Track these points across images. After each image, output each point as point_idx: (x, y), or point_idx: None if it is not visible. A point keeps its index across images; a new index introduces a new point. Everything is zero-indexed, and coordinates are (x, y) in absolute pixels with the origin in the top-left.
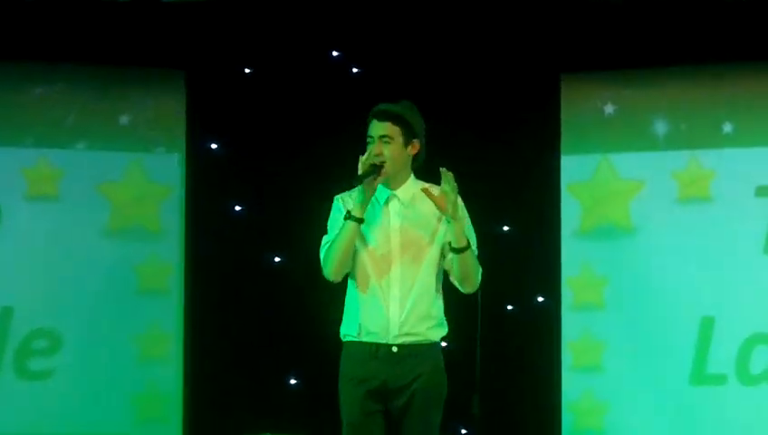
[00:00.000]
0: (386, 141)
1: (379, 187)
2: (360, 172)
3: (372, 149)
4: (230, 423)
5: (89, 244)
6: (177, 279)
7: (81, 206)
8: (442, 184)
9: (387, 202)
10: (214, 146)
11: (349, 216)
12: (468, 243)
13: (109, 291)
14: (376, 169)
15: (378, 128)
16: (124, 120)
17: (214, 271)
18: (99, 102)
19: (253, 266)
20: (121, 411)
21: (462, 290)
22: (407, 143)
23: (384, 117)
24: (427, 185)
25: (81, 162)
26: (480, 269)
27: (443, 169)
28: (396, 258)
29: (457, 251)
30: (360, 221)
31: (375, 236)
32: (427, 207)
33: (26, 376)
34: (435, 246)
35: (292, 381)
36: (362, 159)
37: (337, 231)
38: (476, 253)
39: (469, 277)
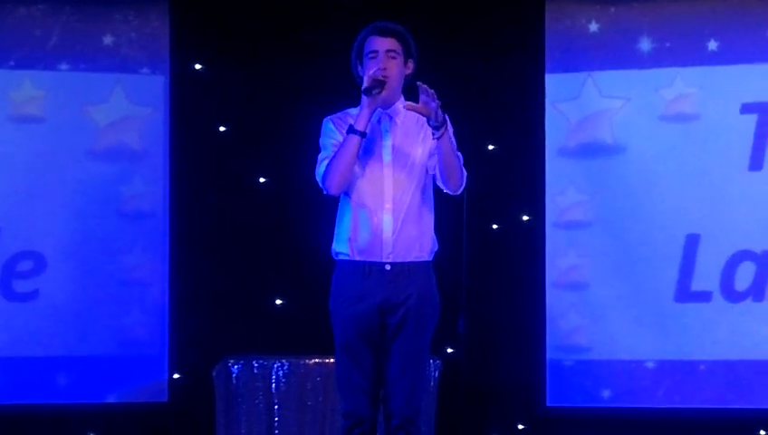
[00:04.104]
0: (392, 56)
1: None
2: (366, 85)
3: (379, 63)
4: (215, 345)
5: (73, 165)
6: (162, 201)
7: (65, 127)
8: (420, 95)
9: (379, 121)
10: (198, 67)
11: (352, 130)
12: (446, 123)
13: (93, 213)
14: (380, 84)
15: (383, 42)
16: (108, 40)
17: (198, 192)
18: (82, 23)
19: (237, 188)
20: (106, 333)
21: (446, 189)
22: (405, 62)
23: (388, 32)
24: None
25: (65, 83)
26: (464, 169)
27: (419, 83)
28: (388, 176)
29: (436, 128)
30: (363, 135)
31: (367, 154)
32: (418, 127)
33: (11, 298)
34: (425, 166)
35: (278, 302)
36: (369, 73)
37: (336, 147)
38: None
39: (453, 170)
